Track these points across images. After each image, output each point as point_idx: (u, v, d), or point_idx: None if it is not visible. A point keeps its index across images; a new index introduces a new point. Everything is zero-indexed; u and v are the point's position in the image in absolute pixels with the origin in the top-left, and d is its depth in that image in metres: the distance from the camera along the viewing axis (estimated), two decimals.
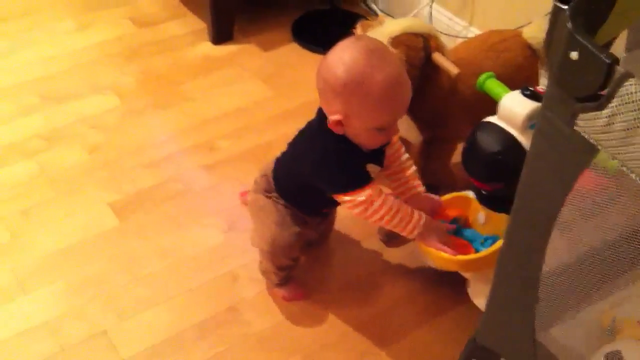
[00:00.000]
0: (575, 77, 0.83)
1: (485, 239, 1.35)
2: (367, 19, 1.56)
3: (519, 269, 1.06)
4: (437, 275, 1.51)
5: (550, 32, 0.87)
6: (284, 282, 1.52)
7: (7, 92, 2.06)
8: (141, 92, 2.09)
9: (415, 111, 1.56)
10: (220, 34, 2.29)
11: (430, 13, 2.17)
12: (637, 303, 1.10)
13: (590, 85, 0.81)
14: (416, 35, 1.49)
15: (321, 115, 1.31)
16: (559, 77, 0.86)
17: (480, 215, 1.39)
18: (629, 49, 1.15)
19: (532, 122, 1.23)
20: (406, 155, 1.44)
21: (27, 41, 2.27)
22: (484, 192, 1.36)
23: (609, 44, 0.99)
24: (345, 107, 1.24)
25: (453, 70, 1.44)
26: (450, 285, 1.50)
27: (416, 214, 1.32)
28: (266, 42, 2.29)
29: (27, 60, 2.19)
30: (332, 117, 1.26)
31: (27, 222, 1.67)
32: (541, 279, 1.03)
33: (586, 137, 0.83)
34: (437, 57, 1.48)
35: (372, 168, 1.34)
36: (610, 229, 0.98)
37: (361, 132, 1.27)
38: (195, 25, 2.37)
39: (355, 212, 1.31)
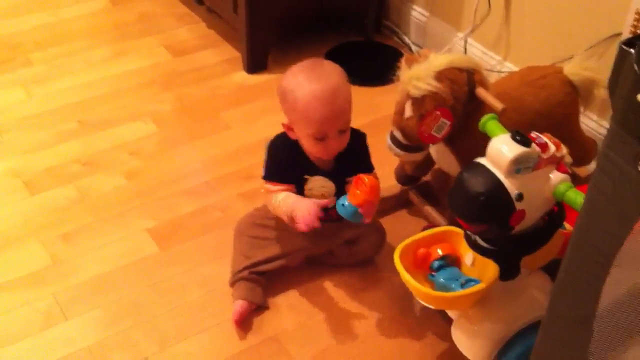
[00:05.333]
0: None
1: (467, 281, 1.33)
2: (411, 53, 1.58)
3: (573, 306, 1.06)
4: None
5: (616, 74, 0.88)
6: (234, 285, 1.56)
7: (46, 117, 2.10)
8: (178, 120, 2.11)
9: (457, 145, 1.58)
10: (255, 64, 2.32)
11: (465, 47, 2.19)
12: None
13: None
14: (461, 70, 1.50)
15: None
16: (623, 118, 0.87)
17: (468, 255, 1.37)
18: None
19: (518, 167, 1.21)
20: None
21: (65, 68, 2.32)
22: (469, 233, 1.35)
23: None
24: (287, 114, 1.48)
25: (498, 105, 1.45)
26: None
27: (283, 210, 1.49)
28: None
29: (66, 86, 2.23)
30: (283, 122, 1.50)
31: (68, 247, 1.69)
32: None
33: None
34: (481, 92, 1.49)
35: (320, 182, 1.52)
36: None
37: (302, 138, 1.48)
38: (230, 54, 2.41)
39: None
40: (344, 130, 1.47)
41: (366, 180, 1.41)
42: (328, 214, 1.54)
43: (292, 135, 1.51)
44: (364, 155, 1.58)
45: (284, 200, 1.50)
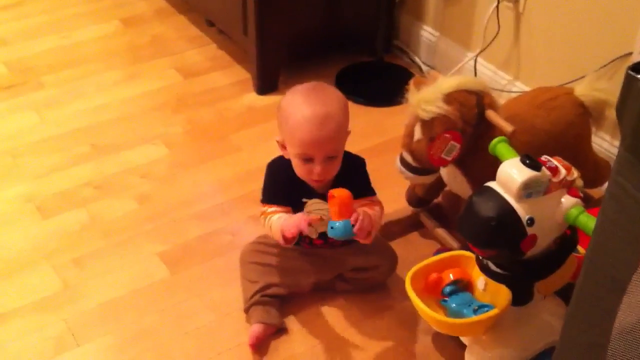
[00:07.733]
0: None
1: (480, 307, 1.32)
2: (420, 76, 1.57)
3: (586, 333, 1.04)
4: None
5: (623, 100, 0.88)
6: (248, 311, 1.55)
7: (59, 141, 2.11)
8: (189, 142, 2.12)
9: (467, 167, 1.57)
10: (266, 85, 2.32)
11: (475, 67, 2.18)
12: None
13: None
14: (470, 92, 1.49)
15: None
16: (631, 144, 0.87)
17: (480, 280, 1.36)
18: None
19: (528, 191, 1.21)
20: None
21: (77, 91, 2.33)
22: (481, 257, 1.34)
23: None
24: (280, 131, 1.48)
25: (508, 128, 1.44)
26: None
27: (275, 228, 1.48)
28: None
29: (78, 109, 2.24)
30: (277, 139, 1.50)
31: (80, 271, 1.69)
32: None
33: None
34: (491, 114, 1.49)
35: (318, 205, 1.49)
36: None
37: (292, 158, 1.47)
38: (240, 75, 2.41)
39: None
40: (332, 157, 1.45)
41: (335, 193, 1.40)
42: (328, 242, 1.54)
43: (284, 153, 1.50)
44: (361, 179, 1.55)
45: (277, 220, 1.49)
